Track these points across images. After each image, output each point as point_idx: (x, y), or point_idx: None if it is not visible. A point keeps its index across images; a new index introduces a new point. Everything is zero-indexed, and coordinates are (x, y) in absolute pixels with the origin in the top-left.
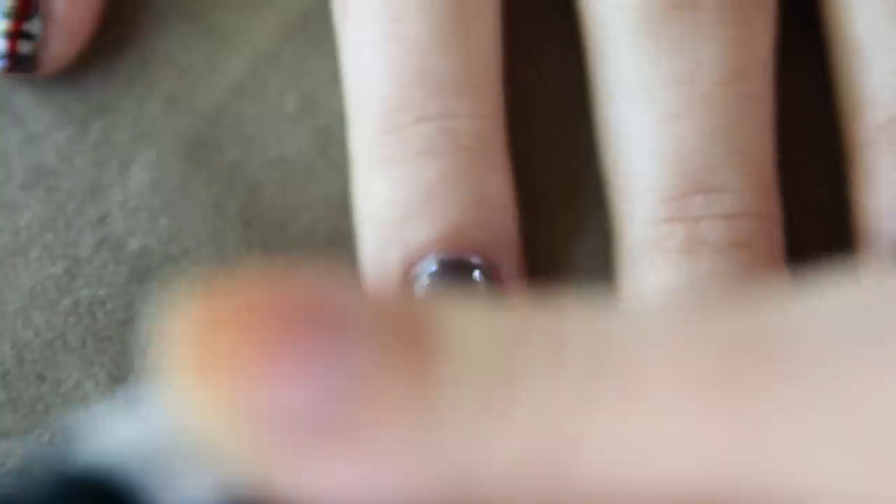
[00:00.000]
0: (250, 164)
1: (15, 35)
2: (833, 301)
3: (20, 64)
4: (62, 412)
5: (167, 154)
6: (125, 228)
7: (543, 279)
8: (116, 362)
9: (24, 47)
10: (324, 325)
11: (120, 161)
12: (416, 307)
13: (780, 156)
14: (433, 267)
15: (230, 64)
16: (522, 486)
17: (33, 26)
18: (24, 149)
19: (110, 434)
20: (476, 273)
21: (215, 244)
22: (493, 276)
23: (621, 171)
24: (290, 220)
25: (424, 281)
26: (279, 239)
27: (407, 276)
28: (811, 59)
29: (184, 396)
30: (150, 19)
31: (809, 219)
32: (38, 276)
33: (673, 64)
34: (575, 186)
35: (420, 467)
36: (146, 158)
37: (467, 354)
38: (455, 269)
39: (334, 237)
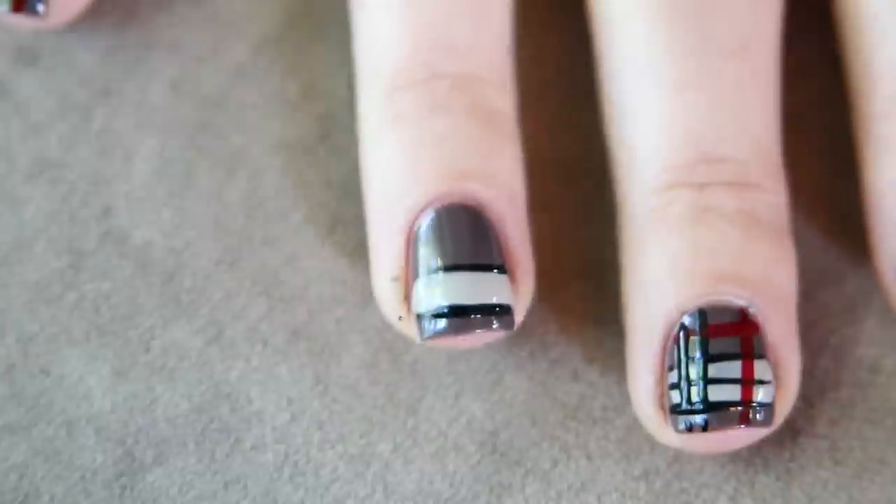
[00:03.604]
0: (252, 150)
1: None
2: None
3: (27, 6)
4: (66, 406)
5: (170, 141)
6: (129, 220)
7: (544, 263)
8: (119, 357)
9: None
10: None
11: (123, 150)
12: None
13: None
14: (434, 213)
15: (233, 50)
16: None
17: None
18: (27, 139)
19: None
20: (476, 219)
21: (217, 235)
22: (498, 229)
23: (626, 144)
24: (291, 206)
25: (427, 226)
26: (281, 227)
27: (413, 225)
28: (814, 48)
29: None
30: (154, 3)
31: (813, 207)
32: (43, 271)
33: (681, 36)
34: (575, 172)
35: None
36: (149, 147)
37: None
38: (459, 216)
39: (336, 223)
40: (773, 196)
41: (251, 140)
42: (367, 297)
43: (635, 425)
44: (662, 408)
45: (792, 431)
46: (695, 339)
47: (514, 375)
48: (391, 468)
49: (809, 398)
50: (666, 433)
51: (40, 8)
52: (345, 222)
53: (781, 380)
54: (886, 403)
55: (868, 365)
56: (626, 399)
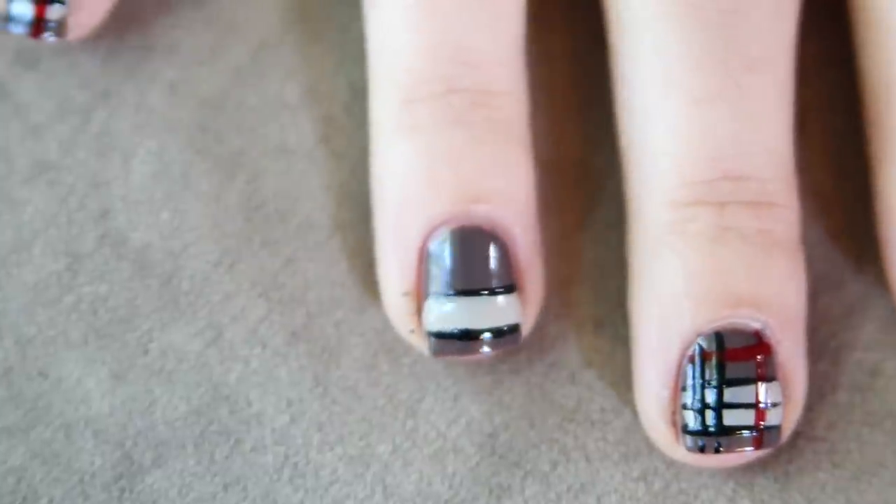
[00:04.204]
0: (251, 153)
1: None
2: None
3: (47, 30)
4: (64, 409)
5: (169, 143)
6: (127, 223)
7: (548, 267)
8: (118, 359)
9: (54, 13)
10: None
11: (122, 153)
12: None
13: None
14: (449, 234)
15: (232, 52)
16: None
17: None
18: (26, 141)
19: None
20: (492, 243)
21: (216, 237)
22: (510, 249)
23: (641, 154)
24: (290, 209)
25: (441, 246)
26: (280, 229)
27: (427, 241)
28: (819, 49)
29: None
30: (154, 6)
31: (813, 212)
32: (40, 273)
33: (703, 48)
34: (575, 176)
35: None
36: (148, 149)
37: None
38: (473, 239)
39: (335, 226)
40: (789, 212)
41: (250, 142)
42: (366, 299)
43: (633, 427)
44: (675, 424)
45: (791, 434)
46: (711, 362)
47: (512, 378)
48: (390, 470)
49: (808, 401)
50: (677, 450)
51: (61, 30)
52: (344, 225)
53: (789, 396)
54: (885, 407)
55: (867, 369)
56: (623, 401)
